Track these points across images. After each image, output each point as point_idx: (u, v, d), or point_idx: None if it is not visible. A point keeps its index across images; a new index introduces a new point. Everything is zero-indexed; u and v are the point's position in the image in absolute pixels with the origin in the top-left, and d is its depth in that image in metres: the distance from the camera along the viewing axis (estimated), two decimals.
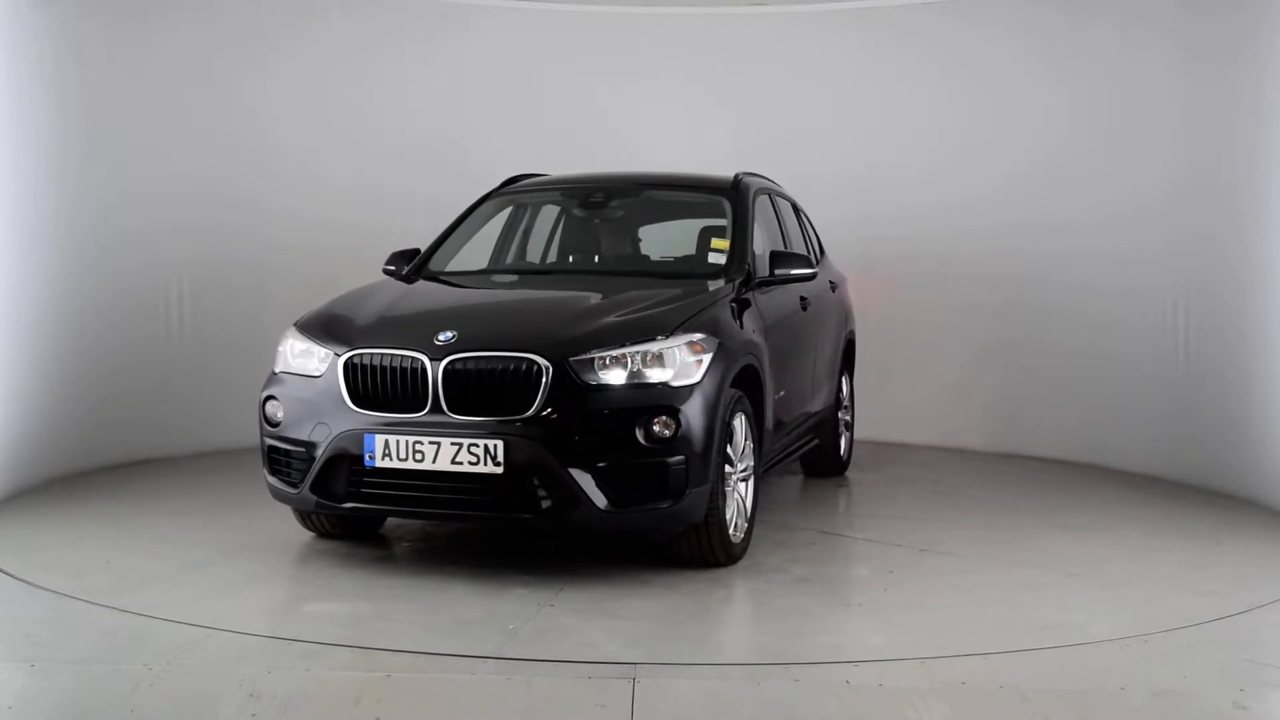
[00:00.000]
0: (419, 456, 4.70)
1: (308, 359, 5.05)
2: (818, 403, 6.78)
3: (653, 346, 4.80)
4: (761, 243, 6.53)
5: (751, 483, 5.34)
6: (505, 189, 6.73)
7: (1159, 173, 7.50)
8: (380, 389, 4.81)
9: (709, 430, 4.81)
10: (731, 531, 5.14)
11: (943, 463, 8.03)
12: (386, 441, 4.73)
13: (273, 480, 5.16)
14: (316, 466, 4.88)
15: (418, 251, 6.26)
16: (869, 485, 7.33)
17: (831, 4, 8.83)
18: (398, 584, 4.94)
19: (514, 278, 6.35)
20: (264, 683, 3.77)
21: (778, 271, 5.81)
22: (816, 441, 7.00)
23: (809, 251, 7.11)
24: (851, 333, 7.61)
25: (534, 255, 6.75)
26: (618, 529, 5.10)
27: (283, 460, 5.07)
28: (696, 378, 4.82)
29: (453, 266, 6.24)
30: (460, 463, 4.66)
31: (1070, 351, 8.09)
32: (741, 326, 5.36)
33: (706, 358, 4.88)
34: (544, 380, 4.66)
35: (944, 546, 5.68)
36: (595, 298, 5.29)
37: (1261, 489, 6.68)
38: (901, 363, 8.70)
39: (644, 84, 8.95)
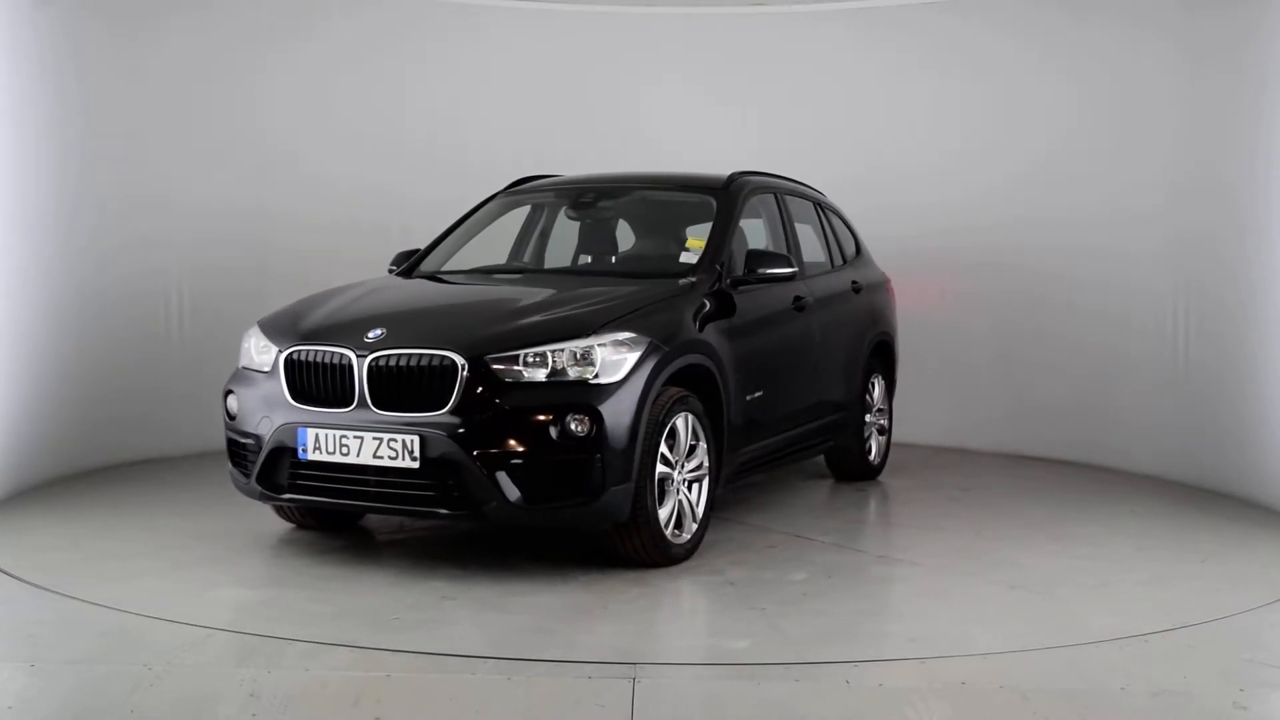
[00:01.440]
0: (345, 450, 4.86)
1: (262, 355, 5.26)
2: (825, 404, 6.69)
3: (572, 345, 4.84)
4: (763, 242, 6.56)
5: (705, 483, 5.32)
6: (510, 190, 6.86)
7: (1159, 173, 7.49)
8: (314, 384, 5.00)
9: (632, 429, 4.83)
10: (672, 532, 5.14)
11: (990, 470, 7.79)
12: (317, 435, 4.91)
13: (233, 471, 5.38)
14: (260, 458, 5.09)
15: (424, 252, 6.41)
16: (889, 490, 7.17)
17: (832, 4, 8.82)
18: (320, 573, 5.08)
19: (490, 277, 6.30)
20: (264, 683, 3.77)
21: (752, 271, 5.81)
22: (833, 444, 6.95)
23: (829, 252, 7.07)
24: (884, 334, 7.41)
25: (531, 255, 6.80)
26: (533, 525, 5.21)
27: (239, 452, 5.28)
28: (618, 376, 4.85)
29: (455, 265, 6.34)
30: (381, 457, 4.80)
31: (1071, 350, 8.09)
32: (700, 326, 5.38)
33: (632, 356, 4.91)
34: (459, 377, 4.75)
35: (907, 554, 5.58)
36: (537, 297, 5.38)
37: (1261, 489, 6.68)
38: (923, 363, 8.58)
39: (648, 84, 8.94)
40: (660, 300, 5.36)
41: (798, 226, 6.86)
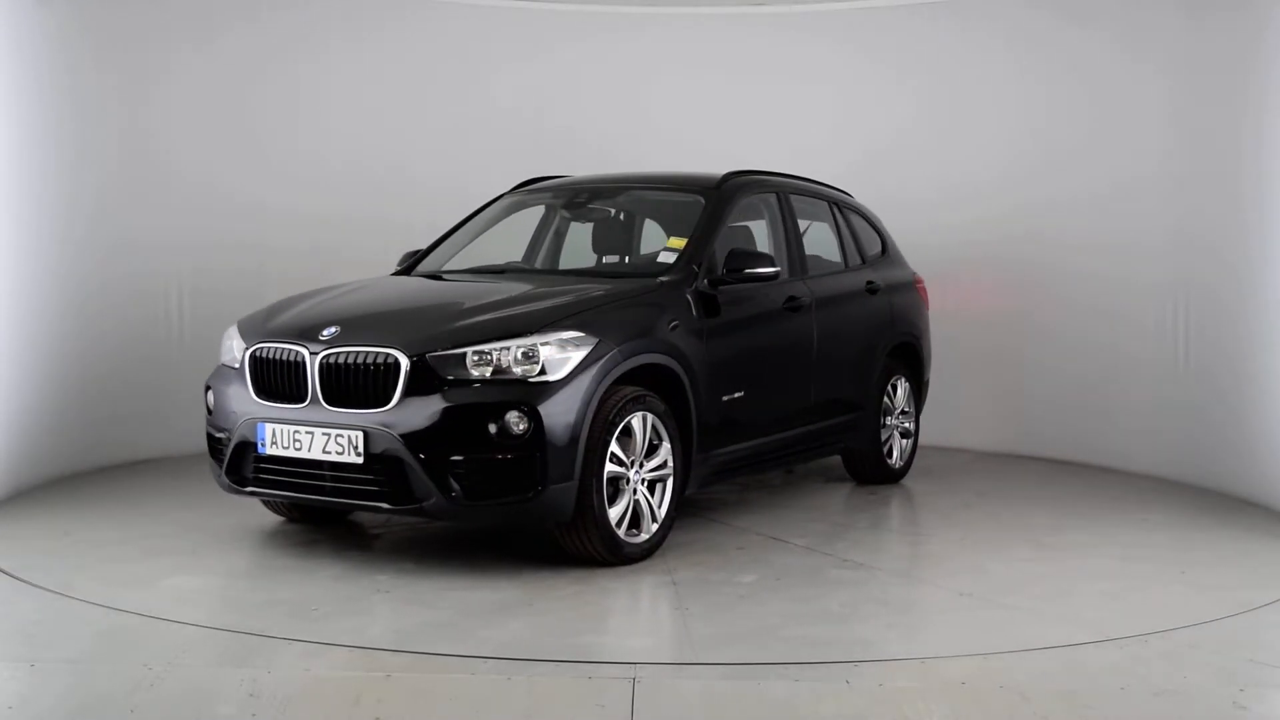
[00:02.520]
0: (298, 445, 5.00)
1: (235, 352, 5.44)
2: (830, 405, 6.61)
3: (514, 343, 4.89)
4: (764, 242, 6.54)
5: (670, 483, 5.33)
6: (517, 190, 6.94)
7: (1159, 172, 7.49)
8: (274, 381, 5.15)
9: (574, 427, 4.87)
10: (626, 531, 5.15)
11: (1022, 475, 7.65)
12: (274, 430, 5.06)
13: (211, 464, 5.50)
14: (228, 452, 5.25)
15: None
16: (904, 494, 7.04)
17: (831, 4, 8.82)
18: (280, 564, 5.24)
19: (479, 276, 6.28)
20: (264, 683, 3.77)
21: (733, 271, 5.80)
22: (843, 446, 6.89)
23: (844, 252, 7.02)
24: (908, 336, 7.29)
25: (545, 255, 6.88)
26: (473, 521, 5.27)
27: (215, 446, 5.42)
28: (561, 374, 4.88)
29: (459, 264, 6.42)
30: (329, 452, 4.92)
31: (1071, 349, 8.09)
32: (672, 326, 5.40)
33: (577, 355, 4.94)
34: (402, 375, 4.82)
35: (873, 559, 5.45)
36: (495, 296, 5.44)
37: (1261, 489, 6.68)
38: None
39: (653, 84, 8.94)
40: (621, 300, 5.40)
41: (810, 226, 6.84)
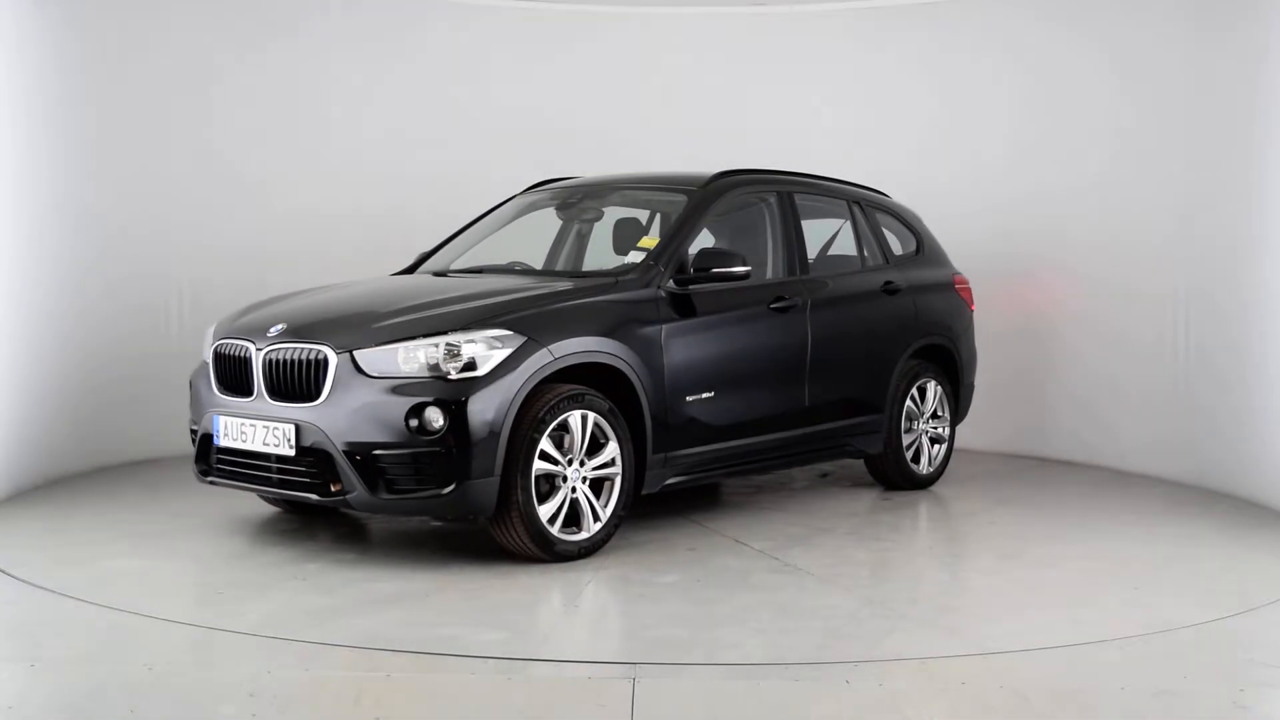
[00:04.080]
0: (244, 438, 5.26)
1: (207, 348, 5.71)
2: (833, 408, 6.50)
3: (439, 340, 5.00)
4: (762, 241, 6.52)
5: (618, 482, 5.35)
6: (529, 190, 7.04)
7: (1160, 173, 7.49)
8: (230, 376, 5.41)
9: (495, 423, 4.95)
10: (561, 529, 5.19)
11: (1070, 484, 7.43)
12: (225, 423, 5.34)
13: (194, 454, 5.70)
14: (196, 443, 5.55)
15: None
16: (924, 501, 6.83)
17: (832, 5, 8.82)
18: (233, 551, 5.45)
19: (462, 276, 6.31)
20: (264, 683, 3.77)
21: (700, 270, 5.80)
22: (853, 449, 6.72)
23: (863, 252, 6.92)
24: (937, 337, 7.13)
25: (567, 256, 6.91)
26: (394, 513, 5.43)
27: (192, 439, 5.67)
28: (482, 371, 4.97)
29: (466, 264, 6.51)
30: (268, 444, 5.16)
31: (1071, 350, 8.09)
32: (623, 325, 5.43)
33: (502, 353, 5.02)
34: (330, 370, 4.99)
35: (815, 565, 5.32)
36: (438, 294, 5.52)
37: (1261, 489, 6.68)
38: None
39: (657, 84, 8.95)
40: (562, 299, 5.43)
41: (822, 225, 6.79)
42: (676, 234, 5.96)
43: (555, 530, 5.17)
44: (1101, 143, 7.87)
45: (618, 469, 5.36)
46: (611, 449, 5.33)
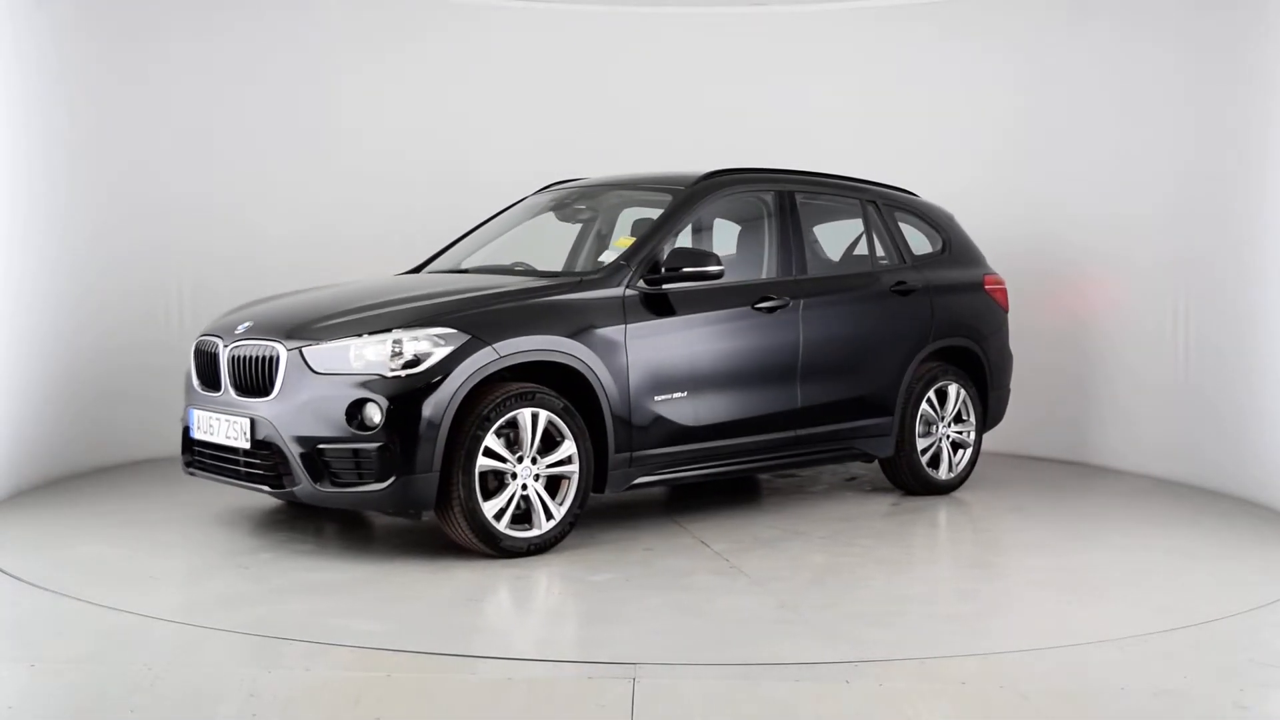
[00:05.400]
0: (211, 430, 5.49)
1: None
2: (831, 410, 6.41)
3: (383, 338, 5.13)
4: (758, 241, 6.49)
5: (575, 480, 5.38)
6: (542, 191, 7.09)
7: (1161, 172, 7.49)
8: (205, 371, 5.65)
9: (433, 420, 5.05)
10: (509, 525, 5.23)
11: (1097, 491, 7.28)
12: (199, 417, 5.59)
13: None
14: (181, 436, 5.77)
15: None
16: (938, 507, 6.65)
17: (831, 4, 8.83)
18: (207, 550, 5.53)
19: (454, 276, 6.38)
20: (264, 683, 3.77)
21: (671, 270, 5.80)
22: (857, 452, 6.60)
23: (875, 252, 6.82)
24: (961, 340, 6.97)
25: (585, 256, 6.87)
26: (336, 506, 5.55)
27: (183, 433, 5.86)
28: (422, 368, 5.08)
29: (475, 263, 6.58)
30: (229, 437, 5.37)
31: (1070, 350, 8.09)
32: (590, 326, 5.48)
33: (443, 351, 5.11)
34: (281, 366, 5.19)
35: (755, 570, 5.22)
36: (398, 293, 5.65)
37: (1262, 489, 6.68)
38: None
39: (664, 84, 8.94)
40: (516, 298, 5.50)
41: (833, 225, 6.77)
42: (652, 234, 5.96)
43: (503, 526, 5.24)
44: (1101, 139, 7.86)
45: (574, 467, 5.40)
46: (567, 447, 5.38)
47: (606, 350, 5.54)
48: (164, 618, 4.42)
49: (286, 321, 5.43)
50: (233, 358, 5.44)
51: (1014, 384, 7.59)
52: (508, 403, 5.21)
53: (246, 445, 5.27)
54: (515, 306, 5.46)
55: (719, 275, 5.87)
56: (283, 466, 5.17)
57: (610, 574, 5.14)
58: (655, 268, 5.81)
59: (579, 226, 6.98)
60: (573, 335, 5.46)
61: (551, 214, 6.93)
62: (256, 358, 5.34)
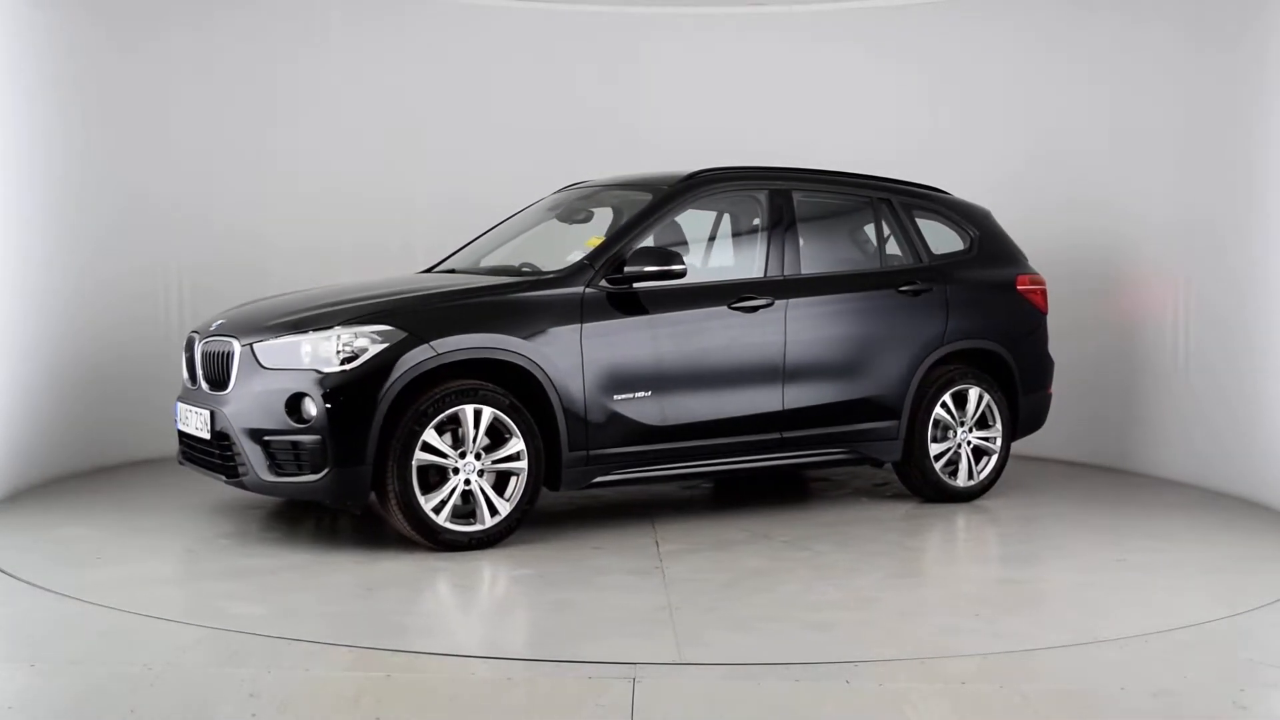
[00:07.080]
0: (186, 422, 5.80)
1: None
2: (829, 412, 6.30)
3: (320, 335, 5.33)
4: (756, 240, 6.45)
5: (523, 477, 5.45)
6: (560, 192, 7.13)
7: (1162, 170, 7.48)
8: (189, 367, 5.91)
9: (366, 414, 5.22)
10: (451, 519, 5.34)
11: (1120, 498, 7.04)
12: (181, 409, 5.87)
13: None
14: (176, 429, 5.98)
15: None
16: (941, 515, 6.44)
17: (831, 4, 8.83)
18: (206, 550, 5.58)
19: (422, 276, 6.52)
20: (264, 683, 3.77)
21: (633, 269, 5.79)
22: (856, 456, 6.45)
23: (883, 252, 6.70)
24: (982, 342, 6.76)
25: (549, 257, 6.83)
26: (280, 495, 5.73)
27: None
28: (356, 364, 5.27)
29: (492, 263, 6.65)
30: (196, 429, 5.66)
31: (1076, 352, 8.08)
32: (543, 324, 5.55)
33: (377, 347, 5.29)
34: (235, 361, 5.45)
35: (684, 572, 5.16)
36: (359, 292, 5.81)
37: (1262, 489, 6.68)
38: None
39: (669, 84, 8.93)
40: (461, 296, 5.64)
41: (839, 224, 6.74)
42: (622, 235, 5.98)
43: (442, 520, 5.35)
44: (1101, 139, 7.85)
45: (522, 464, 5.44)
46: (515, 444, 5.44)
47: (559, 349, 5.60)
48: (165, 617, 4.42)
49: (250, 320, 5.68)
50: (203, 353, 5.72)
51: (1057, 388, 7.22)
52: (448, 399, 5.34)
53: (207, 436, 5.53)
54: (460, 305, 5.61)
55: (682, 275, 5.85)
56: (238, 458, 5.39)
57: (533, 570, 5.19)
58: (619, 267, 5.82)
59: (586, 227, 6.99)
60: (522, 333, 5.53)
61: (555, 215, 6.93)
62: (218, 353, 5.60)
